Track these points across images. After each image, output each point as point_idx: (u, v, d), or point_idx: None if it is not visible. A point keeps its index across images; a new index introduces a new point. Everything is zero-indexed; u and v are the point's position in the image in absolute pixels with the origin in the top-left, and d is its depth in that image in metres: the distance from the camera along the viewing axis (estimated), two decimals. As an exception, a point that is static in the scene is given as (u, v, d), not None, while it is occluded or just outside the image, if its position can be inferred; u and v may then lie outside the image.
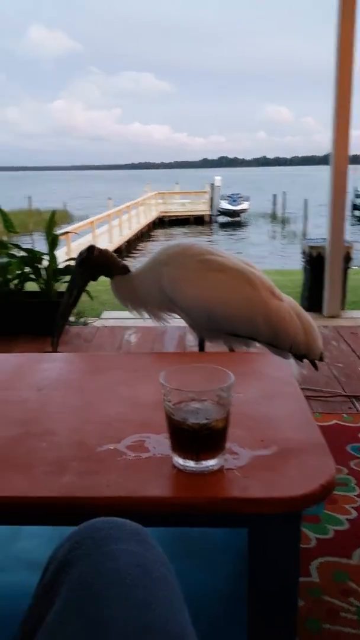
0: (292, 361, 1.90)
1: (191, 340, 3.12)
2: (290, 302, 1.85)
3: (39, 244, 3.80)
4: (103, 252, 1.92)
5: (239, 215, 25.39)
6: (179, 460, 0.78)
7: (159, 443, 0.86)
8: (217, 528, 1.15)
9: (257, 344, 1.89)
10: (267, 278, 1.86)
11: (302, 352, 1.84)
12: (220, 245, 17.46)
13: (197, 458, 0.77)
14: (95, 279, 1.97)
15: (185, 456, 0.78)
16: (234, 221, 24.98)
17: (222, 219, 25.38)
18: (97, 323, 3.89)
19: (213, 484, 0.75)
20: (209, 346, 2.00)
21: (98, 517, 0.57)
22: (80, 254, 1.92)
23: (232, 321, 1.80)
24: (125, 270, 1.90)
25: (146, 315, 1.93)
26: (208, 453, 0.77)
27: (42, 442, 0.88)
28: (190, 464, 0.78)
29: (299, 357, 1.88)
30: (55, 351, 2.07)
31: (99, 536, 0.51)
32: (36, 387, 1.11)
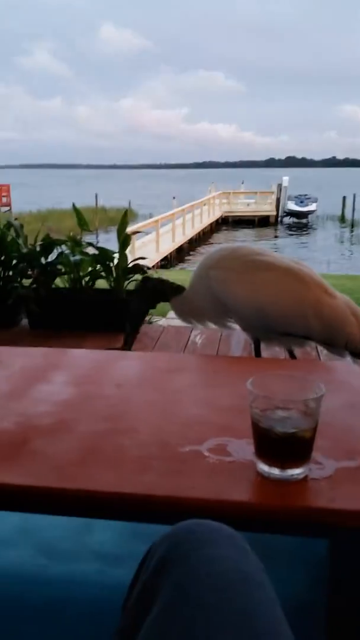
0: (349, 360, 1.86)
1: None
2: (344, 299, 1.82)
3: (103, 241, 3.90)
4: (156, 281, 2.01)
5: (306, 217, 24.96)
6: (264, 467, 0.79)
7: (241, 448, 0.87)
8: (287, 536, 1.15)
9: (312, 343, 1.87)
10: (319, 276, 1.84)
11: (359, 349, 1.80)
12: (286, 247, 17.22)
13: (282, 466, 0.77)
14: (154, 306, 2.07)
15: (270, 463, 0.78)
16: (300, 223, 24.58)
17: (288, 220, 25.02)
18: (163, 322, 3.93)
19: (298, 493, 0.75)
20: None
21: (181, 517, 0.58)
22: (137, 284, 2.05)
23: (284, 320, 1.79)
24: (180, 290, 1.95)
25: (212, 326, 1.97)
26: (294, 462, 0.77)
27: (126, 439, 0.91)
28: (275, 471, 0.78)
29: (356, 355, 1.84)
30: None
31: (196, 538, 0.52)
32: (115, 384, 1.14)
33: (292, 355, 2.04)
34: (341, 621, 0.78)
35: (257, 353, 1.96)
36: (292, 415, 0.78)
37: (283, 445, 0.76)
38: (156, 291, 1.99)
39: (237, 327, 1.98)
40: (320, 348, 3.18)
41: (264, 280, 1.78)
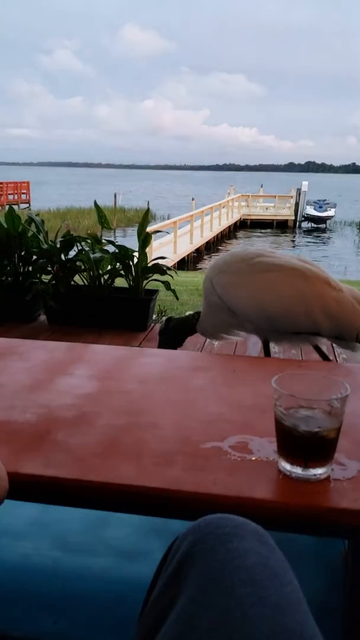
0: None
1: (275, 345, 3.09)
2: (351, 291, 1.81)
3: (121, 241, 3.92)
4: (178, 320, 2.09)
5: (324, 222, 24.83)
6: (286, 466, 0.79)
7: (263, 446, 0.87)
8: (304, 535, 1.14)
9: (323, 339, 1.87)
10: (323, 270, 1.84)
11: None
12: (304, 252, 17.13)
13: (305, 465, 0.77)
14: (181, 343, 2.12)
15: (293, 462, 0.78)
16: (318, 228, 24.46)
17: (307, 225, 24.91)
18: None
19: (321, 492, 0.75)
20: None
21: (202, 513, 0.58)
22: (161, 325, 2.10)
23: (290, 318, 1.78)
24: (198, 315, 2.01)
25: (236, 338, 2.02)
26: (317, 461, 0.77)
27: (147, 434, 0.91)
28: (298, 470, 0.77)
29: None
30: None
31: (223, 532, 0.52)
32: (138, 380, 1.15)
33: (323, 355, 2.05)
34: (358, 622, 0.78)
35: (267, 354, 1.97)
36: (316, 414, 0.77)
37: (306, 445, 0.76)
38: (179, 330, 2.06)
39: (251, 335, 2.01)
40: (338, 352, 3.16)
41: (265, 280, 1.79)
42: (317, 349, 2.01)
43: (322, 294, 1.75)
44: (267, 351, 1.98)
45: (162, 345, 2.10)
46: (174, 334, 2.08)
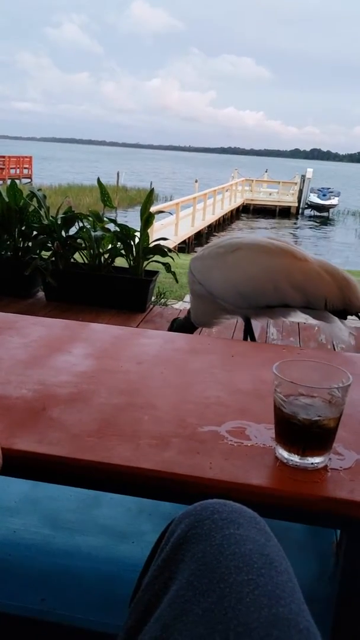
0: (339, 324, 1.91)
1: (274, 333, 3.09)
2: (319, 262, 1.88)
3: (122, 220, 3.89)
4: (181, 320, 2.20)
5: (327, 211, 24.70)
6: (284, 453, 0.78)
7: (260, 432, 0.86)
8: (293, 523, 1.14)
9: (298, 312, 1.95)
10: (291, 244, 1.92)
11: (340, 307, 1.85)
12: (304, 239, 17.06)
13: (302, 453, 0.76)
14: None
15: (290, 450, 0.77)
16: (321, 216, 24.34)
17: (309, 212, 24.78)
18: (178, 305, 3.92)
19: (318, 481, 0.74)
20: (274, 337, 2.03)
21: (197, 497, 0.57)
22: (169, 328, 2.22)
23: (260, 293, 1.87)
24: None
25: (226, 321, 2.14)
26: (315, 450, 0.76)
27: (144, 415, 0.90)
28: (295, 458, 0.77)
29: (339, 315, 1.89)
30: None
31: (219, 518, 0.51)
32: (136, 360, 1.13)
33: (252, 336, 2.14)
34: (349, 613, 0.78)
35: (249, 332, 2.04)
36: (316, 402, 0.76)
37: (305, 433, 0.75)
38: (183, 328, 2.15)
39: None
40: (336, 342, 3.15)
41: (233, 260, 1.88)
42: (250, 331, 2.11)
43: (287, 266, 1.82)
44: (249, 330, 2.07)
45: None
46: (183, 331, 2.16)
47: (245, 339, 2.14)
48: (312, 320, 2.14)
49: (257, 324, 3.28)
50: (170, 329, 2.21)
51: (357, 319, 1.93)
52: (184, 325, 2.18)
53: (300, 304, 1.87)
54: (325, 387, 0.76)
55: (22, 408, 0.90)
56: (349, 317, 1.91)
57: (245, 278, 1.86)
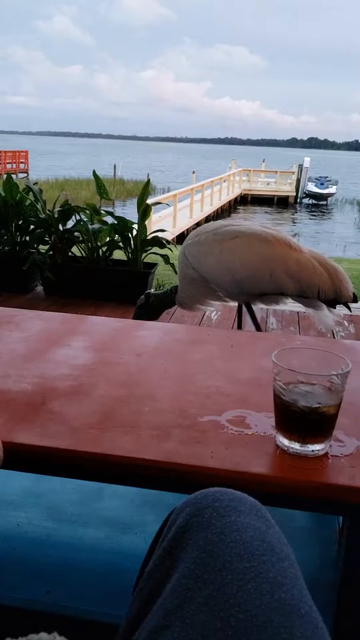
0: (326, 311, 2.00)
1: (273, 322, 3.09)
2: (312, 253, 1.94)
3: (120, 213, 3.88)
4: (158, 295, 2.17)
5: (325, 199, 24.62)
6: (284, 441, 0.78)
7: (260, 421, 0.86)
8: (296, 511, 1.14)
9: (290, 300, 2.02)
10: (285, 235, 1.97)
11: (332, 296, 1.92)
12: (303, 229, 17.02)
13: (303, 441, 0.76)
14: (157, 316, 2.24)
15: (290, 437, 0.77)
16: (319, 205, 24.26)
17: (308, 201, 24.70)
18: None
19: (318, 468, 0.74)
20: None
21: (198, 486, 0.57)
22: (140, 300, 2.18)
23: (256, 281, 1.92)
24: (176, 289, 2.12)
25: (211, 308, 2.14)
26: (315, 437, 0.76)
27: (144, 406, 0.90)
28: (296, 445, 0.77)
29: (330, 303, 1.97)
30: None
31: (220, 506, 0.51)
32: (135, 353, 1.13)
33: (256, 324, 2.18)
34: (352, 599, 0.78)
35: (252, 317, 2.08)
36: (315, 390, 0.76)
37: (305, 420, 0.75)
38: (157, 304, 2.16)
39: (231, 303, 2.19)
40: (337, 329, 3.15)
41: (230, 247, 1.91)
42: (253, 317, 2.15)
43: (283, 256, 1.87)
44: (240, 314, 2.10)
45: (139, 318, 2.20)
46: (153, 308, 2.17)
47: (239, 326, 2.16)
48: (299, 307, 2.19)
49: (257, 313, 3.30)
50: (145, 303, 2.18)
51: (344, 307, 2.00)
52: (163, 301, 2.17)
53: (295, 293, 1.92)
54: (325, 374, 0.76)
55: (22, 402, 0.90)
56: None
57: (242, 265, 1.89)
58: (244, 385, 0.99)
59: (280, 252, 1.87)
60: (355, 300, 1.98)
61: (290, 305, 2.22)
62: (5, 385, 0.95)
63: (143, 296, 2.21)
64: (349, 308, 2.03)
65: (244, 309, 2.13)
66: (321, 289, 1.89)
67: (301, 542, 1.06)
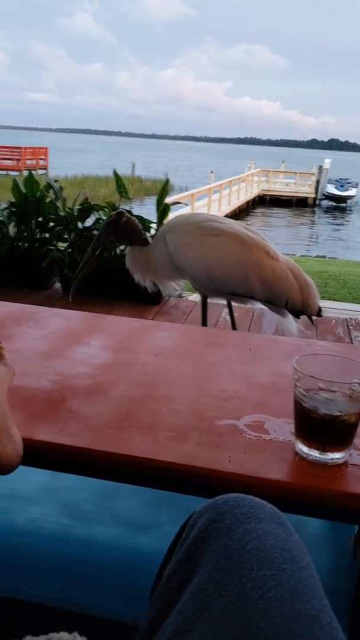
0: (291, 319, 2.02)
1: (292, 327, 3.07)
2: (287, 262, 1.96)
3: (137, 211, 3.88)
4: (130, 220, 2.03)
5: (345, 202, 24.39)
6: (303, 448, 0.77)
7: (279, 427, 0.85)
8: (312, 518, 1.14)
9: (256, 303, 2.03)
10: (265, 241, 1.97)
11: (299, 308, 1.95)
12: (321, 231, 16.89)
13: (323, 449, 0.76)
14: (119, 241, 2.16)
15: (310, 445, 0.77)
16: (338, 207, 24.06)
17: (327, 203, 24.51)
18: (193, 297, 3.91)
19: (337, 476, 0.74)
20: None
21: (215, 490, 0.57)
22: (110, 216, 2.07)
23: (228, 280, 1.94)
24: (145, 242, 2.04)
25: (149, 284, 2.12)
26: (335, 445, 0.76)
27: (162, 407, 0.90)
28: (315, 453, 0.76)
29: (295, 314, 1.99)
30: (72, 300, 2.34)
31: (240, 512, 0.51)
32: (152, 353, 1.14)
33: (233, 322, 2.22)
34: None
35: (205, 312, 2.09)
36: (336, 398, 0.76)
37: (325, 428, 0.75)
38: (126, 229, 2.02)
39: (175, 292, 2.21)
40: (354, 334, 3.13)
41: (211, 244, 1.92)
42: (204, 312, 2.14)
43: (260, 261, 1.89)
44: (204, 306, 2.10)
45: (103, 236, 2.07)
46: (121, 233, 2.02)
47: (204, 321, 2.09)
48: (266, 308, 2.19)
49: (274, 317, 3.28)
50: (115, 220, 2.01)
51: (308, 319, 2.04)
52: (127, 232, 2.01)
53: (264, 299, 1.95)
54: (346, 381, 0.75)
55: (41, 399, 0.91)
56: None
57: (218, 264, 1.91)
58: (262, 389, 0.99)
59: (258, 258, 1.89)
60: (319, 315, 2.02)
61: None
62: (25, 382, 0.96)
63: (115, 213, 2.07)
64: (312, 321, 2.09)
65: (210, 304, 2.12)
66: (290, 300, 1.92)
67: (315, 549, 1.05)
